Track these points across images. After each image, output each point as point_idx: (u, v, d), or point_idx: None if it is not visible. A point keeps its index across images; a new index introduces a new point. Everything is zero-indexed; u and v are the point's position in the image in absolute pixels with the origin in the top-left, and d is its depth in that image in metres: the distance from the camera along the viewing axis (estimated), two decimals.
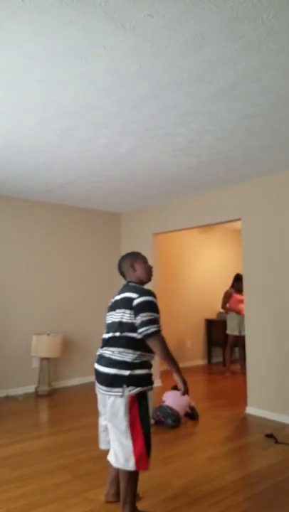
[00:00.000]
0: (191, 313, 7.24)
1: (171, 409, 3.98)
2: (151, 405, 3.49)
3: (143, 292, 2.39)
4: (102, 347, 2.46)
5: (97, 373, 2.40)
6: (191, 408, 4.23)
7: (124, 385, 2.27)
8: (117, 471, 2.46)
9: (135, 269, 2.56)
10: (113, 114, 2.94)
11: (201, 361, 7.38)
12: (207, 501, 2.59)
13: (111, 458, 2.35)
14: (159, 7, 1.85)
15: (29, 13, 1.89)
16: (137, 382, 2.28)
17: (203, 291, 7.39)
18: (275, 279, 4.30)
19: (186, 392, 2.32)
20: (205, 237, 7.54)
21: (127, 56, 2.23)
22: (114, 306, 2.50)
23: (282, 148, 3.64)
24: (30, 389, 5.31)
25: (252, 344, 4.49)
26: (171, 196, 5.37)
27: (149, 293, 2.41)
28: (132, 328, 2.34)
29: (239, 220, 4.76)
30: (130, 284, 2.54)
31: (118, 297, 2.49)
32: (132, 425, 2.27)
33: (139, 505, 2.47)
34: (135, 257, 2.60)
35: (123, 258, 2.64)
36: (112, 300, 2.55)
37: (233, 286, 6.62)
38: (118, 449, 2.29)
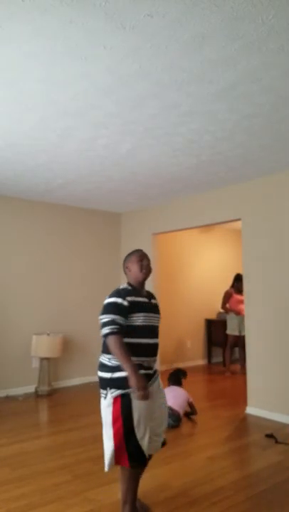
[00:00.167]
0: (191, 313, 7.24)
1: (171, 409, 3.98)
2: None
3: (109, 295, 2.41)
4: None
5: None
6: (190, 404, 4.22)
7: (108, 388, 2.29)
8: None
9: (130, 269, 2.52)
10: (113, 114, 2.94)
11: (201, 361, 7.38)
12: (207, 501, 2.59)
13: None
14: (159, 7, 1.85)
15: (29, 13, 1.89)
16: (118, 385, 2.27)
17: (203, 291, 7.39)
18: (275, 279, 4.30)
19: (142, 397, 2.20)
20: (205, 237, 7.54)
21: (127, 56, 2.23)
22: None
23: (282, 148, 3.64)
24: (30, 389, 5.31)
25: (252, 344, 4.49)
26: (171, 196, 5.37)
27: (113, 294, 2.37)
28: None
29: (239, 220, 4.76)
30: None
31: None
32: (114, 426, 2.26)
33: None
34: (128, 257, 2.56)
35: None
36: None
37: (233, 286, 6.61)
38: (104, 448, 2.33)
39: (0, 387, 5.12)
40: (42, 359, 5.24)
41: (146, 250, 6.15)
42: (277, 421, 4.12)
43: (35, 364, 5.37)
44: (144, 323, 2.36)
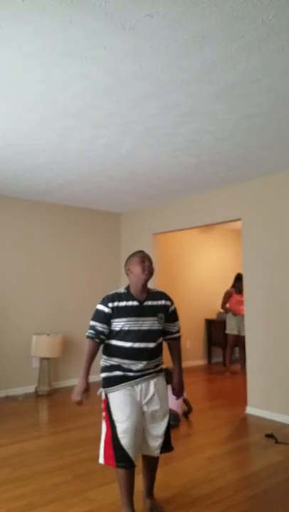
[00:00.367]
0: (191, 313, 7.24)
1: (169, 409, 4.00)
2: None
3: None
4: None
5: None
6: (185, 401, 4.21)
7: (101, 387, 2.45)
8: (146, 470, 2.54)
9: (131, 271, 2.49)
10: (113, 114, 2.94)
11: (201, 361, 7.38)
12: (207, 501, 2.59)
13: None
14: (159, 7, 1.85)
15: (29, 13, 1.89)
16: (104, 384, 2.43)
17: (203, 291, 7.39)
18: (275, 279, 4.30)
19: (73, 400, 2.38)
20: (205, 237, 7.54)
21: (127, 56, 2.23)
22: None
23: (282, 148, 3.64)
24: (30, 389, 5.31)
25: (252, 344, 4.49)
26: (171, 196, 5.37)
27: (100, 300, 2.47)
28: None
29: (239, 220, 4.76)
30: None
31: None
32: (105, 424, 2.38)
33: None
34: (130, 259, 2.54)
35: None
36: None
37: (234, 286, 6.61)
38: None
39: (0, 387, 5.12)
40: (42, 359, 5.24)
41: (146, 250, 6.14)
42: (277, 421, 4.12)
43: (35, 364, 5.37)
44: (128, 328, 2.39)
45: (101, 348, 2.48)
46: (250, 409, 4.43)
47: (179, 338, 2.65)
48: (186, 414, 4.24)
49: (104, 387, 2.41)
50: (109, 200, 5.64)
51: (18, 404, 4.79)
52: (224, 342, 6.86)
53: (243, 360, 6.28)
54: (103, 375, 2.43)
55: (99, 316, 2.42)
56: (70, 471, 3.04)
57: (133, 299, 2.44)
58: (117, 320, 2.39)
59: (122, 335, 2.38)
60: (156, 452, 2.42)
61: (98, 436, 2.56)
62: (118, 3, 1.83)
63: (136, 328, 2.39)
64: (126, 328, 2.38)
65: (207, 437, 3.74)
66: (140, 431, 2.35)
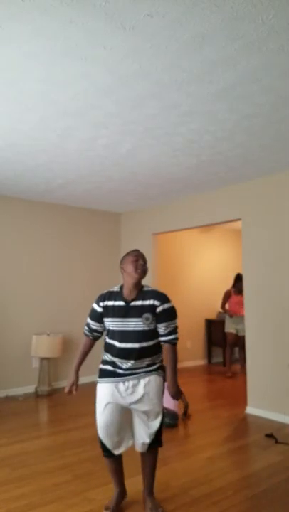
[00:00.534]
0: (191, 313, 7.24)
1: (166, 408, 4.00)
2: None
3: None
4: None
5: None
6: (183, 395, 4.19)
7: None
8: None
9: (125, 270, 2.49)
10: (113, 114, 2.94)
11: (201, 361, 7.38)
12: (207, 501, 2.59)
13: None
14: (159, 7, 1.85)
15: (29, 13, 1.89)
16: (98, 375, 2.56)
17: (203, 291, 7.39)
18: (275, 279, 4.30)
19: (67, 393, 2.55)
20: (205, 237, 7.54)
21: (127, 56, 2.23)
22: None
23: (282, 148, 3.64)
24: (30, 389, 5.31)
25: (252, 344, 4.49)
26: (171, 196, 5.37)
27: (95, 298, 2.57)
28: None
29: (239, 220, 4.76)
30: None
31: None
32: None
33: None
34: (124, 258, 2.54)
35: None
36: None
37: (234, 286, 6.60)
38: None
39: (0, 387, 5.12)
40: (42, 359, 5.24)
41: (146, 250, 6.17)
42: (277, 421, 4.13)
43: (35, 364, 5.37)
44: (114, 328, 2.45)
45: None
46: (250, 409, 4.43)
47: (170, 342, 2.45)
48: (185, 411, 4.21)
49: (97, 377, 2.54)
50: (109, 200, 5.64)
51: (18, 404, 4.79)
52: (224, 342, 6.86)
53: (242, 360, 6.28)
54: (100, 366, 2.53)
55: (92, 314, 2.55)
56: (70, 471, 3.04)
57: (121, 298, 2.46)
58: (106, 319, 2.49)
59: (111, 334, 2.47)
60: (144, 449, 2.47)
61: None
62: (118, 3, 1.83)
63: (120, 328, 2.42)
64: (112, 328, 2.46)
65: (207, 437, 3.74)
66: (117, 425, 2.43)
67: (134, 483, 2.73)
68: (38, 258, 5.57)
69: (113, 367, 2.45)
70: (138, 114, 2.96)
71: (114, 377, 2.43)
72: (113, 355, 2.44)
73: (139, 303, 2.42)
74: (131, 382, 2.41)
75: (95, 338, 2.59)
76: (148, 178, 4.56)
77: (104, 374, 2.47)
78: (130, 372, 2.42)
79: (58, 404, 4.80)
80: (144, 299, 2.43)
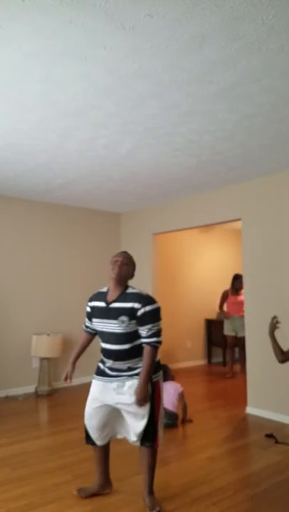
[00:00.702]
0: (191, 313, 7.24)
1: (165, 408, 4.01)
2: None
3: None
4: None
5: None
6: (180, 395, 4.15)
7: None
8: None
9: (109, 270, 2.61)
10: (113, 114, 2.94)
11: (201, 361, 7.37)
12: (207, 501, 2.59)
13: None
14: (159, 7, 1.85)
15: (29, 13, 1.89)
16: None
17: (203, 291, 7.39)
18: (275, 279, 4.30)
19: (64, 379, 2.75)
20: (205, 237, 7.54)
21: (127, 56, 2.23)
22: None
23: (282, 148, 3.64)
24: (30, 389, 5.31)
25: (252, 344, 4.49)
26: (171, 196, 5.37)
27: None
28: None
29: (239, 220, 4.76)
30: None
31: None
32: None
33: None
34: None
35: None
36: None
37: (232, 286, 6.60)
38: None
39: (0, 387, 5.12)
40: (42, 359, 5.24)
41: (146, 250, 6.17)
42: (277, 421, 4.13)
43: (35, 364, 5.37)
44: (98, 329, 2.56)
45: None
46: (250, 409, 4.43)
47: (151, 344, 2.41)
48: (183, 417, 4.13)
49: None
50: (109, 200, 5.64)
51: (18, 404, 4.79)
52: (224, 343, 6.85)
53: (243, 360, 6.26)
54: (97, 362, 2.66)
55: (85, 312, 2.73)
56: (70, 471, 3.04)
57: (103, 299, 2.53)
58: (92, 319, 2.62)
59: (98, 333, 2.60)
60: (136, 444, 2.52)
61: None
62: (118, 3, 1.83)
63: (102, 329, 2.51)
64: (97, 328, 2.58)
65: (207, 437, 3.74)
66: (101, 420, 2.55)
67: (134, 484, 2.73)
68: (38, 258, 5.57)
69: (103, 365, 2.58)
70: (138, 114, 2.96)
71: (103, 376, 2.55)
72: (102, 354, 2.58)
73: (118, 305, 2.45)
74: (116, 384, 2.48)
75: (92, 334, 2.75)
76: (148, 178, 4.56)
77: (97, 371, 2.62)
78: (116, 374, 2.49)
79: (58, 404, 4.80)
80: (125, 301, 2.45)
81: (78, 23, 1.95)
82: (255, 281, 4.49)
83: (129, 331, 2.41)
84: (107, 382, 2.51)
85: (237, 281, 6.46)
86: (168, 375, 4.26)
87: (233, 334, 6.38)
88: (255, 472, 3.03)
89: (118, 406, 2.48)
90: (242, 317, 6.29)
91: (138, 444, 2.50)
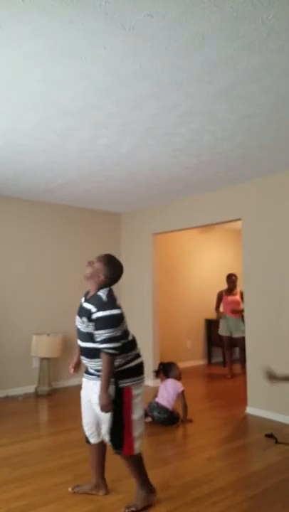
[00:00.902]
0: (191, 313, 7.24)
1: (157, 403, 4.06)
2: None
3: None
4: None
5: None
6: (180, 395, 4.14)
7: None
8: None
9: None
10: (113, 114, 2.94)
11: (201, 361, 7.38)
12: (207, 501, 2.59)
13: None
14: (159, 7, 1.85)
15: (29, 13, 1.89)
16: None
17: (203, 291, 7.39)
18: (275, 279, 4.30)
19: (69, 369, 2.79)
20: (205, 237, 7.54)
21: (127, 56, 2.23)
22: None
23: (282, 148, 3.64)
24: (30, 389, 5.31)
25: (252, 344, 4.49)
26: (171, 196, 5.37)
27: None
28: None
29: (239, 220, 4.76)
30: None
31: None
32: None
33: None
34: None
35: None
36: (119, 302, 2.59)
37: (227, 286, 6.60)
38: None
39: (0, 387, 5.12)
40: (42, 359, 5.24)
41: (146, 250, 6.16)
42: (277, 421, 4.13)
43: (35, 364, 5.37)
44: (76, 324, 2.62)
45: None
46: (250, 409, 4.43)
47: (103, 350, 2.37)
48: (183, 417, 4.13)
49: None
50: (109, 200, 5.64)
51: (18, 404, 4.79)
52: (223, 342, 6.83)
53: (242, 360, 6.26)
54: None
55: None
56: (70, 471, 3.04)
57: (84, 296, 2.65)
58: None
59: None
60: (108, 441, 2.55)
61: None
62: (118, 3, 1.83)
63: (77, 326, 2.57)
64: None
65: (207, 437, 3.74)
66: (86, 417, 2.63)
67: (133, 484, 2.72)
68: (38, 258, 5.57)
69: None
70: (138, 114, 2.96)
71: (86, 373, 2.65)
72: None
73: (85, 304, 2.54)
74: (91, 382, 2.54)
75: None
76: (148, 178, 4.56)
77: (85, 368, 2.68)
78: (91, 372, 2.56)
79: (58, 405, 4.80)
80: (90, 302, 2.52)
81: (78, 23, 1.96)
82: (255, 281, 4.49)
83: (89, 331, 2.46)
84: (87, 380, 2.61)
85: (228, 280, 6.45)
86: (170, 373, 4.28)
87: (228, 334, 6.36)
88: (255, 472, 3.04)
89: (84, 400, 2.62)
90: (237, 317, 6.30)
91: (109, 443, 2.54)
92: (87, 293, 2.69)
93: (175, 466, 3.13)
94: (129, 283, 6.26)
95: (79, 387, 2.71)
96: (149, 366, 5.74)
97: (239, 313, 6.26)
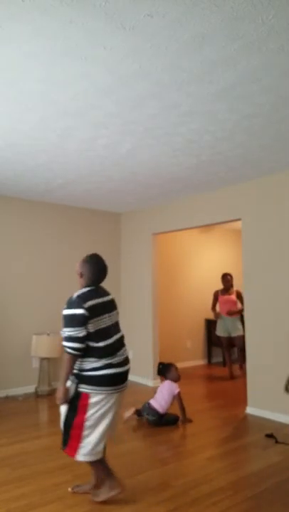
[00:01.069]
0: (191, 313, 7.24)
1: (149, 404, 4.10)
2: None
3: None
4: (121, 348, 2.55)
5: (126, 373, 2.54)
6: (176, 397, 4.14)
7: None
8: None
9: None
10: (113, 114, 2.94)
11: (201, 361, 7.38)
12: (207, 501, 2.59)
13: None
14: (159, 7, 1.85)
15: (29, 13, 1.89)
16: None
17: (203, 291, 7.39)
18: (275, 279, 4.30)
19: None
20: (205, 237, 7.55)
21: (127, 56, 2.23)
22: (111, 306, 2.62)
23: (282, 148, 3.64)
24: (30, 389, 5.31)
25: (252, 344, 4.49)
26: (171, 196, 5.37)
27: None
28: None
29: (239, 220, 4.76)
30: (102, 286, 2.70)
31: (109, 298, 2.60)
32: None
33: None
34: None
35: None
36: (105, 300, 2.56)
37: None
38: None
39: (0, 387, 5.12)
40: (42, 359, 5.24)
41: (146, 250, 6.17)
42: (277, 421, 4.13)
43: (35, 364, 5.37)
44: None
45: None
46: (250, 409, 4.43)
47: (63, 347, 2.44)
48: (183, 413, 4.16)
49: None
50: (109, 200, 5.64)
51: (18, 404, 4.79)
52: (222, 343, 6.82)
53: (242, 360, 6.26)
54: None
55: None
56: (70, 471, 3.04)
57: None
58: None
59: None
60: None
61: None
62: (118, 3, 1.83)
63: None
64: None
65: (207, 437, 3.74)
66: None
67: (133, 484, 2.73)
68: (38, 258, 5.57)
69: None
70: (138, 114, 2.96)
71: None
72: None
73: None
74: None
75: None
76: (148, 178, 4.56)
77: None
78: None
79: (57, 405, 4.80)
80: None
81: (78, 23, 1.96)
82: (255, 281, 4.49)
83: None
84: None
85: (224, 280, 6.43)
86: (168, 374, 4.27)
87: (226, 335, 6.34)
88: (255, 472, 3.03)
89: None
90: (234, 318, 6.28)
91: None
92: None
93: (175, 466, 3.13)
94: (129, 283, 6.26)
95: None
96: (150, 366, 5.75)
97: (235, 313, 6.25)
